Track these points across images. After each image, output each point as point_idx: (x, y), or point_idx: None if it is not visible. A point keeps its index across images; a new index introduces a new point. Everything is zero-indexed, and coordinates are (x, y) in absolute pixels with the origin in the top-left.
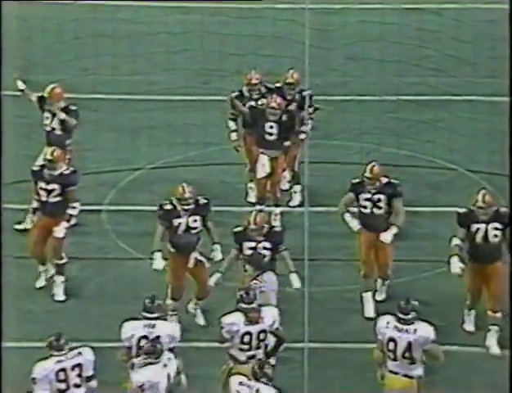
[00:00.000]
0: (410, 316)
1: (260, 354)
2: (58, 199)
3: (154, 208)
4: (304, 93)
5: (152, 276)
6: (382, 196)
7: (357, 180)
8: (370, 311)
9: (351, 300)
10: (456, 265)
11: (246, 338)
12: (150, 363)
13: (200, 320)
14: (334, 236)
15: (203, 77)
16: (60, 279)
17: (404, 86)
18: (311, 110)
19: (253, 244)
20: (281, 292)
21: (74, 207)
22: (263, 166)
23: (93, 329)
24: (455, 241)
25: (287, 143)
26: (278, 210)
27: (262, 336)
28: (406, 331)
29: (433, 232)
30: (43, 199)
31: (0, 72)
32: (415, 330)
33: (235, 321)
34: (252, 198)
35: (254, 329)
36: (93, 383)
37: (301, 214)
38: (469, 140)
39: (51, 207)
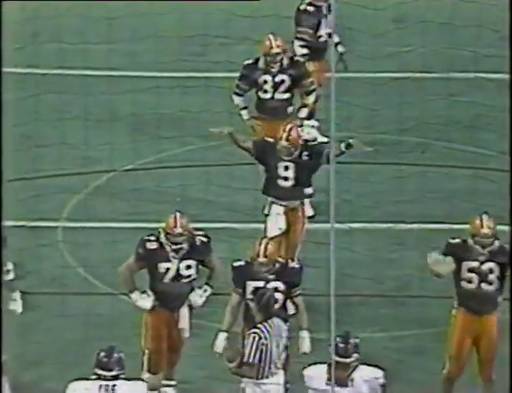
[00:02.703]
0: None
1: None
2: None
3: (130, 225)
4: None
5: (126, 317)
6: (494, 266)
7: (458, 240)
8: None
9: (397, 352)
10: None
11: None
12: None
13: None
14: (371, 264)
15: (198, 46)
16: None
17: (477, 59)
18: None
19: (260, 284)
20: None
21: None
22: (277, 221)
23: (49, 384)
24: None
25: (308, 191)
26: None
27: None
28: None
29: None
30: None
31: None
32: None
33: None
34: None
35: None
36: None
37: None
38: None
39: None
